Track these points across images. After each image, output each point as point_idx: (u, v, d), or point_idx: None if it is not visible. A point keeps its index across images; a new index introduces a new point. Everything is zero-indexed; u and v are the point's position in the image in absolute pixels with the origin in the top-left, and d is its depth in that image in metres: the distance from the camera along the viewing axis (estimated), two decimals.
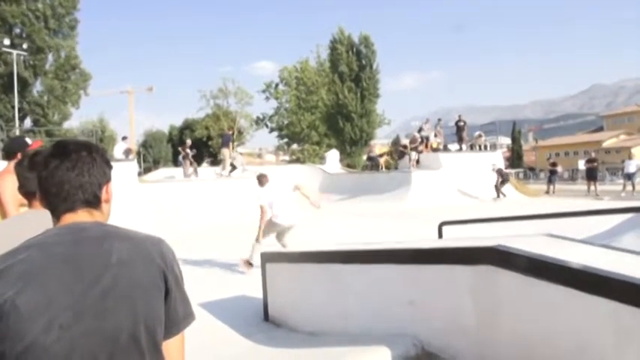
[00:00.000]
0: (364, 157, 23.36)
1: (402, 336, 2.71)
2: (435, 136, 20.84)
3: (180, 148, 20.86)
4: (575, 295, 1.87)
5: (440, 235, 4.77)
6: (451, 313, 2.52)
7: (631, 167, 19.66)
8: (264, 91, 47.04)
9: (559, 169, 27.82)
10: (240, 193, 14.34)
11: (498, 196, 17.37)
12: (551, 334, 1.99)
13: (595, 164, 21.01)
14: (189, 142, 19.76)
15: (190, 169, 18.72)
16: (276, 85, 46.75)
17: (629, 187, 19.08)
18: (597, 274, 1.81)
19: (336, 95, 33.89)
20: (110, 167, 1.21)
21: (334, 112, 34.33)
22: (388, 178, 18.83)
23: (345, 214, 14.35)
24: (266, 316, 4.50)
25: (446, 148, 21.35)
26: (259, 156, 58.87)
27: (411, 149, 19.66)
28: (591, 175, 20.45)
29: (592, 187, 19.84)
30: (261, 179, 7.66)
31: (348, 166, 30.07)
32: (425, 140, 20.48)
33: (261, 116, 48.22)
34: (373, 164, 22.78)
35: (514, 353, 2.14)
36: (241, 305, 5.12)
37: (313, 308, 3.81)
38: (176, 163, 24.78)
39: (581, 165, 32.14)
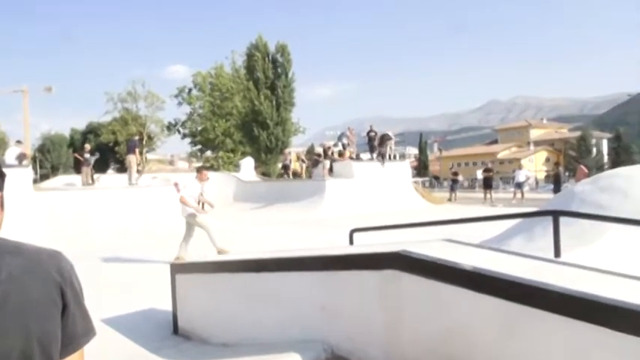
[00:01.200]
0: (279, 165, 23.48)
1: (313, 342, 2.77)
2: (348, 144, 21.49)
3: (76, 154, 19.42)
4: (467, 294, 2.05)
5: (351, 242, 4.92)
6: (360, 317, 2.62)
7: (520, 177, 21.70)
8: (176, 96, 45.49)
9: (460, 178, 29.86)
10: (149, 202, 13.72)
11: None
12: (448, 331, 2.15)
13: (491, 174, 22.95)
14: (87, 146, 18.50)
15: (89, 177, 17.52)
16: (190, 90, 45.43)
17: (518, 195, 21.00)
18: (485, 274, 2.00)
19: (251, 102, 33.62)
20: (1, 176, 1.12)
21: (249, 120, 34.04)
22: (303, 186, 19.05)
23: (259, 223, 14.28)
24: (175, 329, 4.35)
25: (358, 158, 22.08)
26: (171, 163, 56.75)
27: (324, 158, 20.10)
28: (487, 184, 22.27)
29: (488, 195, 21.59)
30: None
31: (263, 174, 29.92)
32: (345, 148, 21.12)
33: (173, 122, 46.54)
34: (287, 172, 22.94)
35: (416, 351, 2.29)
36: (149, 319, 4.90)
37: (225, 318, 3.76)
38: (78, 169, 23.11)
39: (479, 174, 34.91)
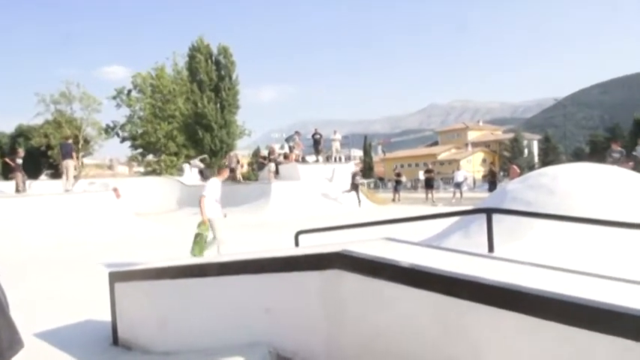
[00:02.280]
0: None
1: (258, 345, 2.76)
2: (294, 147, 21.57)
3: (6, 159, 18.14)
4: (407, 290, 2.12)
5: (296, 244, 4.94)
6: (303, 318, 2.64)
7: (459, 177, 22.63)
8: (114, 98, 43.64)
9: (403, 179, 30.60)
10: (86, 209, 13.10)
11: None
12: (387, 327, 2.22)
13: (432, 174, 23.73)
14: (20, 150, 17.36)
15: (21, 183, 16.45)
16: (129, 91, 43.75)
17: (458, 195, 21.88)
18: (423, 270, 2.08)
19: (194, 105, 32.97)
20: None
21: (193, 122, 33.35)
22: (248, 189, 18.89)
23: None
24: (115, 340, 4.18)
25: (304, 160, 22.18)
26: (110, 167, 54.34)
27: (270, 160, 20.05)
28: (429, 184, 23.03)
29: (429, 195, 22.34)
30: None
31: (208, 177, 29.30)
32: (291, 151, 21.17)
33: (111, 124, 44.61)
34: (233, 176, 22.68)
35: (357, 349, 2.34)
36: (87, 331, 4.68)
37: (168, 326, 3.66)
38: (6, 176, 21.65)
39: (421, 175, 36.01)
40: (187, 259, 3.80)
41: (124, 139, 44.63)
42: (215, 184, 7.89)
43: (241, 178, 22.86)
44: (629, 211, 4.65)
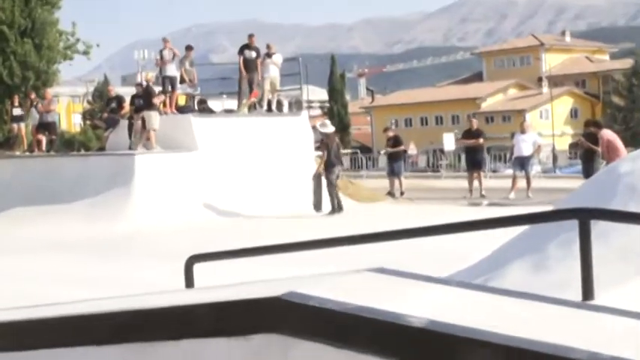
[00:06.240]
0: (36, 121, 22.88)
1: None
2: (183, 81, 21.22)
3: None
4: None
5: (189, 282, 4.92)
6: None
7: (524, 147, 22.65)
8: None
9: (413, 149, 30.99)
10: None
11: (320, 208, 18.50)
12: None
13: (480, 141, 23.71)
14: None
15: None
16: None
17: (522, 182, 22.14)
18: (457, 335, 2.09)
19: None
20: None
21: None
22: (88, 169, 18.63)
23: None
24: None
25: (204, 107, 21.87)
26: None
27: (138, 110, 19.74)
28: (474, 162, 23.15)
29: (474, 182, 22.52)
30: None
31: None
32: (173, 88, 20.73)
33: None
34: (52, 138, 22.41)
35: None
36: None
37: None
38: None
39: (450, 142, 36.31)
40: None
41: None
42: None
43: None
44: None
